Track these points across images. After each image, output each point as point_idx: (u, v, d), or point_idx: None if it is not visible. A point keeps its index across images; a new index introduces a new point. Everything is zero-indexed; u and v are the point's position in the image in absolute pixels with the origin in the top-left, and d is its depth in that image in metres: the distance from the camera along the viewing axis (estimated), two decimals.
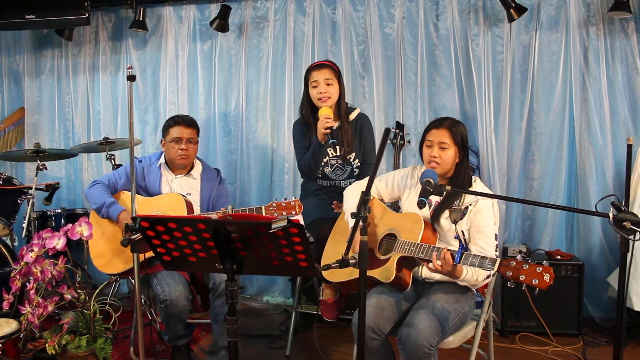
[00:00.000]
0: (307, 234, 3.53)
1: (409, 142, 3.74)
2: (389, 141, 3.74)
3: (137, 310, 2.55)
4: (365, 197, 1.91)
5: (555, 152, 4.03)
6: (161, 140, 3.29)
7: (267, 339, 3.68)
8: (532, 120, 4.06)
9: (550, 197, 4.02)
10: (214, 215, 1.83)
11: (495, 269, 2.11)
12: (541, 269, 2.00)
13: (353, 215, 1.97)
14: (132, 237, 1.94)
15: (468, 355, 2.59)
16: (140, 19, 4.35)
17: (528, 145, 4.09)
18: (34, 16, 4.12)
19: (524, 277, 2.02)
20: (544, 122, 4.04)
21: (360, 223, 1.91)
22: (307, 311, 3.81)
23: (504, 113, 4.04)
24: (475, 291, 2.60)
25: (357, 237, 2.00)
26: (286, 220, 1.73)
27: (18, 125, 4.86)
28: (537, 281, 2.00)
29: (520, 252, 3.74)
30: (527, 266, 2.03)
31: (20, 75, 4.86)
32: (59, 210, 3.93)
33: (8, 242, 3.76)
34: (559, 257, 3.69)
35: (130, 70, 2.26)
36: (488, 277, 2.47)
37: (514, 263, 2.07)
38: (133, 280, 3.90)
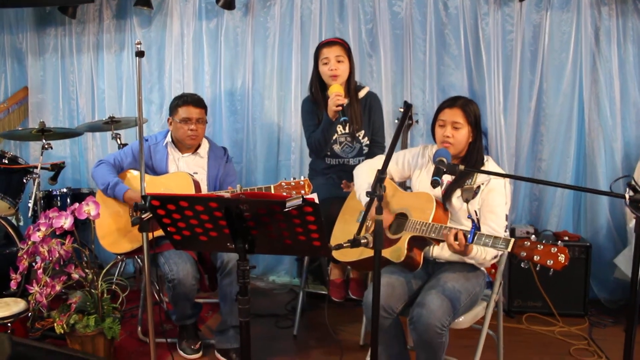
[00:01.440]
0: None
1: (417, 121, 3.71)
2: (396, 121, 3.74)
3: (146, 289, 2.53)
4: (381, 175, 1.88)
5: (564, 133, 3.99)
6: (168, 119, 3.26)
7: (273, 318, 3.69)
8: (542, 101, 4.01)
9: (558, 178, 3.99)
10: (226, 194, 1.80)
11: (509, 248, 2.09)
12: (556, 249, 1.98)
13: (368, 193, 1.95)
14: (143, 216, 1.92)
15: (477, 336, 2.60)
16: None
17: (537, 126, 4.05)
18: None
19: (538, 258, 2.01)
20: (553, 102, 3.99)
21: (376, 202, 1.88)
22: (315, 291, 3.81)
23: (513, 93, 3.99)
24: (485, 271, 2.59)
25: (372, 215, 1.98)
26: (301, 199, 1.71)
27: (22, 105, 4.82)
28: (551, 262, 1.98)
29: (527, 232, 3.73)
30: (542, 246, 2.01)
31: (23, 54, 4.81)
32: (65, 190, 3.90)
33: (14, 221, 3.76)
34: (566, 238, 3.68)
35: (139, 46, 2.22)
36: (495, 257, 2.46)
37: (528, 243, 2.05)
38: (140, 260, 3.92)
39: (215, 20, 4.42)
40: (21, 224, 4.01)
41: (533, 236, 2.08)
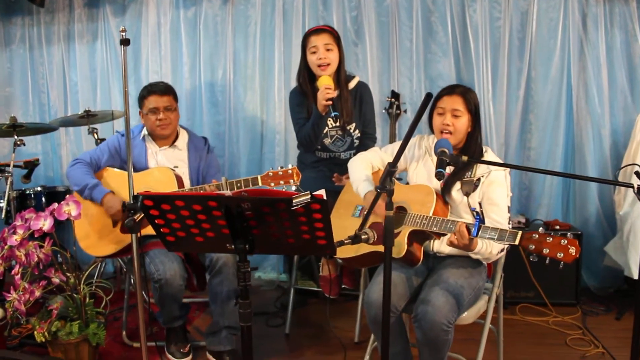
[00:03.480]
0: None
1: (405, 111, 3.63)
2: (384, 111, 3.64)
3: (138, 293, 2.39)
4: (391, 168, 1.78)
5: (553, 121, 3.96)
6: (139, 112, 3.11)
7: (263, 316, 3.58)
8: (530, 89, 3.98)
9: (547, 167, 3.96)
10: (226, 192, 1.68)
11: (517, 242, 2.02)
12: (566, 241, 1.92)
13: (378, 188, 1.85)
14: (135, 217, 1.78)
15: (474, 329, 2.54)
16: None
17: (526, 114, 4.01)
18: None
19: (547, 251, 1.94)
20: (542, 90, 3.96)
21: (386, 197, 1.78)
22: (305, 287, 3.71)
23: (502, 81, 3.95)
24: (485, 265, 2.53)
25: (381, 211, 1.88)
26: (309, 196, 1.60)
27: None
28: (562, 254, 1.91)
29: (519, 222, 3.70)
30: (551, 239, 1.94)
31: None
32: (39, 189, 3.71)
33: None
34: (557, 227, 3.67)
35: (123, 34, 2.06)
36: (502, 250, 2.39)
37: (537, 236, 1.98)
38: (121, 260, 3.74)
39: (194, 8, 4.25)
40: None
41: (541, 228, 2.02)
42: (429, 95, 1.62)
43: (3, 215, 3.34)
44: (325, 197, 1.62)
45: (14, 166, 3.37)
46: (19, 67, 4.53)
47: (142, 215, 1.81)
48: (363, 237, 2.10)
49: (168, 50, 4.28)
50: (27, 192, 3.69)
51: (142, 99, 3.06)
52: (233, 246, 1.84)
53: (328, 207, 1.66)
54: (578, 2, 3.83)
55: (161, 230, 1.88)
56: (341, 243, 2.10)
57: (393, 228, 1.82)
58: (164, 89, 3.05)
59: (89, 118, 3.69)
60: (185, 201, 1.75)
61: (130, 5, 4.31)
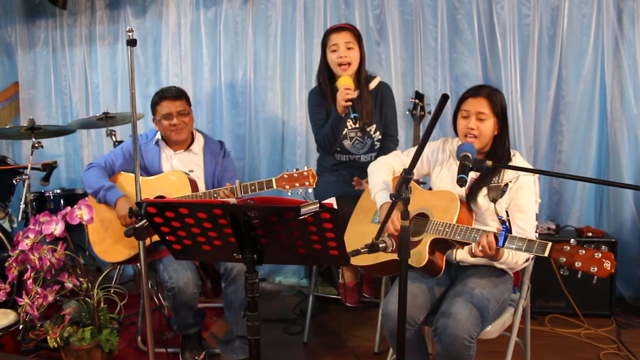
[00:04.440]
0: None
1: (429, 112, 3.50)
2: (407, 112, 3.52)
3: (145, 302, 2.33)
4: (407, 175, 1.67)
5: (585, 122, 3.77)
6: (153, 119, 3.04)
7: (282, 324, 3.49)
8: (561, 89, 3.79)
9: (579, 171, 3.78)
10: (232, 199, 1.59)
11: (547, 254, 1.88)
12: (600, 254, 1.78)
13: (393, 196, 1.74)
14: (137, 225, 1.71)
15: (500, 341, 2.39)
16: None
17: (556, 115, 3.82)
18: None
19: (579, 264, 1.80)
20: (574, 90, 3.77)
21: (401, 206, 1.67)
22: (324, 294, 3.60)
23: (531, 81, 3.78)
24: (511, 275, 2.39)
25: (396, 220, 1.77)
26: (318, 204, 1.49)
27: (13, 101, 4.61)
28: (595, 269, 1.78)
29: (548, 228, 3.53)
30: (584, 251, 1.81)
31: (12, 48, 4.60)
32: (58, 191, 3.70)
33: (6, 225, 3.55)
34: (590, 234, 3.49)
35: (130, 34, 2.00)
36: (527, 260, 2.26)
37: (568, 248, 1.84)
38: (138, 266, 3.70)
39: (214, 8, 4.20)
40: (15, 225, 3.80)
41: (573, 240, 1.86)
42: (445, 97, 1.50)
43: (20, 218, 3.33)
44: (335, 206, 1.52)
45: (32, 168, 3.35)
46: (43, 70, 4.56)
47: (146, 222, 1.73)
48: (381, 245, 1.99)
49: (188, 51, 4.24)
50: (46, 194, 3.68)
51: (154, 105, 3.00)
52: (240, 256, 1.76)
53: (339, 217, 1.55)
54: None
55: (167, 238, 1.81)
56: (357, 252, 1.99)
57: (408, 239, 1.70)
58: (177, 94, 2.98)
59: (107, 120, 3.67)
60: (190, 209, 1.67)
61: (150, 6, 4.28)
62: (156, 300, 3.47)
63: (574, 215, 3.81)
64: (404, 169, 1.72)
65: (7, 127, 3.70)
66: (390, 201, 1.94)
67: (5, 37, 4.60)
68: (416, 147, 2.58)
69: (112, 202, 2.88)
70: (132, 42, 1.99)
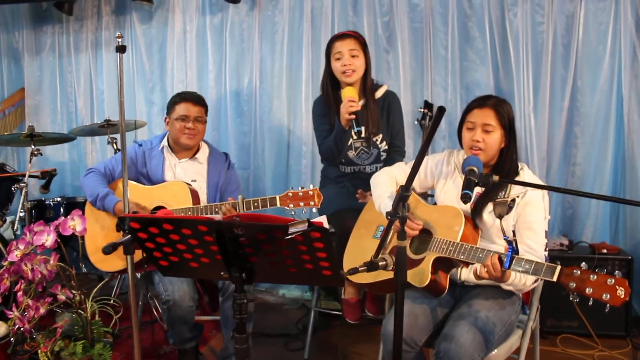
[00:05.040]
0: (329, 227, 3.26)
1: None
2: (416, 122, 3.42)
3: (132, 321, 2.24)
4: (404, 193, 1.56)
5: (601, 134, 3.63)
6: (165, 118, 2.99)
7: (283, 339, 3.39)
8: (576, 99, 3.66)
9: (594, 184, 3.64)
10: (217, 216, 1.50)
11: (555, 278, 1.77)
12: (613, 280, 1.66)
13: (389, 214, 1.63)
14: (118, 242, 1.63)
15: None
16: None
17: (570, 127, 3.68)
18: None
19: (591, 291, 1.69)
20: (589, 101, 3.63)
21: (398, 225, 1.56)
22: (327, 309, 3.49)
23: (544, 91, 3.65)
24: (520, 295, 2.27)
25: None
26: (307, 223, 1.40)
27: (18, 107, 4.59)
28: (608, 296, 1.67)
29: (561, 244, 3.39)
30: (595, 277, 1.69)
31: (19, 53, 4.60)
32: (58, 199, 3.63)
33: (8, 233, 3.50)
34: (604, 250, 3.34)
35: (119, 40, 1.92)
36: (536, 280, 2.14)
37: (579, 272, 1.73)
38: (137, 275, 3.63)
39: (220, 15, 4.15)
40: (18, 233, 3.75)
41: (584, 263, 1.75)
42: (441, 110, 1.40)
43: (16, 227, 3.27)
44: (326, 225, 1.42)
45: (31, 176, 3.29)
46: (48, 75, 4.55)
47: (130, 236, 1.65)
48: (380, 263, 1.89)
49: (194, 57, 4.20)
50: (46, 202, 3.62)
51: (173, 104, 2.95)
52: (228, 274, 1.67)
53: (330, 236, 1.45)
54: (631, 4, 3.50)
55: (153, 254, 1.73)
56: (355, 270, 1.89)
57: (405, 260, 1.60)
58: (198, 99, 2.96)
59: (109, 127, 3.61)
60: (174, 225, 1.58)
61: (156, 12, 4.25)
62: (154, 312, 3.38)
63: (588, 230, 3.67)
64: (401, 186, 1.62)
65: (6, 134, 3.63)
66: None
67: (13, 42, 4.60)
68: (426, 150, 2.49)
69: (111, 209, 2.82)
70: (121, 49, 1.92)
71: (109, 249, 1.59)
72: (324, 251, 1.52)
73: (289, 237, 1.43)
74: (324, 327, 3.55)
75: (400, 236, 1.57)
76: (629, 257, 3.27)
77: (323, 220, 1.42)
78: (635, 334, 3.36)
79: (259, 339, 3.37)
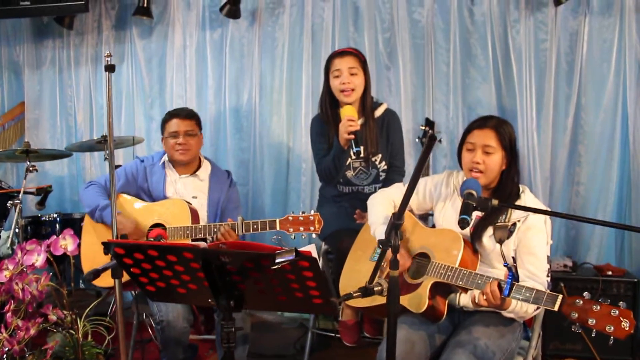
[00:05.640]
0: (325, 246, 3.20)
1: (439, 141, 3.34)
2: (417, 140, 3.36)
3: (121, 346, 2.18)
4: (397, 221, 1.50)
5: (606, 153, 3.57)
6: (162, 138, 3.00)
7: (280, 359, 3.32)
8: (580, 118, 3.61)
9: (598, 205, 3.58)
10: (202, 243, 1.45)
11: (556, 307, 1.71)
12: (617, 312, 1.60)
13: (381, 243, 1.58)
14: (100, 269, 1.58)
15: None
16: (145, 5, 4.00)
17: (574, 146, 3.63)
18: (28, 2, 3.80)
19: (594, 322, 1.63)
20: (593, 119, 3.58)
21: (390, 254, 1.51)
22: (325, 332, 3.41)
23: (547, 109, 3.60)
24: (521, 322, 2.20)
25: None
26: (294, 253, 1.35)
27: (18, 121, 4.56)
28: (611, 328, 1.61)
29: (565, 265, 3.31)
30: (599, 307, 1.64)
31: (20, 67, 4.58)
32: (54, 215, 3.59)
33: (5, 248, 3.46)
34: (610, 272, 3.26)
35: (108, 60, 1.88)
36: (538, 307, 2.06)
37: (581, 302, 1.67)
38: (132, 293, 3.58)
39: (220, 30, 4.12)
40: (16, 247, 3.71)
41: (587, 293, 1.68)
42: (432, 138, 1.35)
43: (9, 245, 3.23)
44: (314, 254, 1.37)
45: (25, 192, 3.25)
46: (48, 90, 4.52)
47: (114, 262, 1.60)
48: (376, 289, 1.83)
49: (193, 73, 4.17)
50: (42, 218, 3.58)
51: (164, 123, 2.98)
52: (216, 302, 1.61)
53: (319, 265, 1.40)
54: (636, 21, 3.46)
55: (139, 279, 1.68)
56: (349, 296, 1.83)
57: (398, 291, 1.54)
58: (187, 114, 2.97)
59: (106, 143, 3.56)
60: (159, 251, 1.53)
61: (156, 27, 4.23)
62: (149, 330, 3.33)
63: (592, 251, 3.59)
64: (393, 214, 1.57)
65: (2, 149, 3.60)
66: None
67: (14, 56, 4.58)
68: (422, 179, 2.43)
69: (109, 221, 2.78)
70: (110, 68, 1.88)
71: (90, 277, 1.54)
72: (313, 280, 1.47)
73: (275, 267, 1.37)
74: (322, 347, 3.47)
75: (392, 266, 1.51)
76: (635, 280, 3.19)
77: (311, 249, 1.37)
78: None
79: (256, 359, 3.31)
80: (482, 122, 2.16)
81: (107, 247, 1.55)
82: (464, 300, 2.16)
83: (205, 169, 3.03)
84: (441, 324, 2.15)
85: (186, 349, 2.74)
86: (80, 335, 2.57)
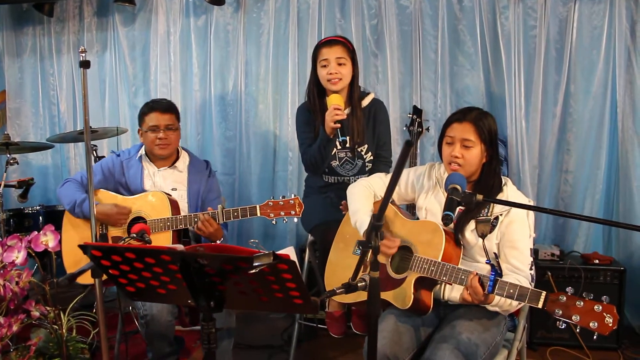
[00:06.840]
0: (311, 237, 3.17)
1: (427, 129, 3.29)
2: (404, 128, 3.33)
3: (102, 344, 2.16)
4: (377, 222, 1.47)
5: (594, 141, 3.56)
6: (138, 130, 2.94)
7: (267, 350, 3.32)
8: (568, 105, 3.59)
9: (586, 193, 3.58)
10: (179, 246, 1.42)
11: (540, 304, 1.70)
12: (601, 307, 1.60)
13: (361, 244, 1.55)
14: (76, 272, 1.54)
15: None
16: None
17: (563, 134, 3.61)
18: None
19: (577, 318, 1.63)
20: (582, 107, 3.56)
21: (371, 255, 1.48)
22: (311, 323, 3.39)
23: (536, 96, 3.57)
24: (506, 315, 2.19)
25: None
26: (272, 256, 1.32)
27: (0, 110, 4.47)
28: (595, 324, 1.60)
29: (552, 254, 3.31)
30: (582, 303, 1.63)
31: (0, 55, 4.45)
32: (37, 208, 3.54)
33: None
34: (596, 260, 3.27)
35: (83, 55, 1.82)
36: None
37: (564, 298, 1.66)
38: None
39: (204, 17, 4.04)
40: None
41: (570, 288, 1.67)
42: (408, 144, 1.31)
43: None
44: (293, 257, 1.34)
45: (6, 186, 3.19)
46: (30, 78, 4.42)
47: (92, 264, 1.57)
48: (360, 284, 1.79)
49: (178, 60, 4.09)
50: (25, 211, 3.52)
51: (142, 115, 2.91)
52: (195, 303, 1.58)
53: (298, 268, 1.37)
54: (626, 8, 3.43)
55: (118, 280, 1.64)
56: (332, 293, 1.80)
57: (378, 293, 1.52)
58: (167, 107, 2.90)
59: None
60: (136, 254, 1.50)
61: (139, 14, 4.13)
62: (136, 322, 3.30)
63: (580, 240, 3.60)
64: (373, 215, 1.54)
65: None
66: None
67: None
68: (407, 169, 2.40)
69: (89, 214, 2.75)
70: (85, 64, 1.82)
71: (65, 282, 1.50)
72: (292, 282, 1.44)
73: (254, 270, 1.34)
74: (310, 338, 3.47)
75: (373, 267, 1.49)
76: (622, 268, 3.21)
77: (290, 252, 1.34)
78: (627, 346, 3.30)
79: (243, 350, 3.31)
80: (461, 116, 2.13)
81: (84, 249, 1.51)
82: (448, 293, 2.15)
83: (184, 160, 2.99)
84: (427, 317, 2.14)
85: (172, 343, 2.72)
86: (64, 331, 2.54)
